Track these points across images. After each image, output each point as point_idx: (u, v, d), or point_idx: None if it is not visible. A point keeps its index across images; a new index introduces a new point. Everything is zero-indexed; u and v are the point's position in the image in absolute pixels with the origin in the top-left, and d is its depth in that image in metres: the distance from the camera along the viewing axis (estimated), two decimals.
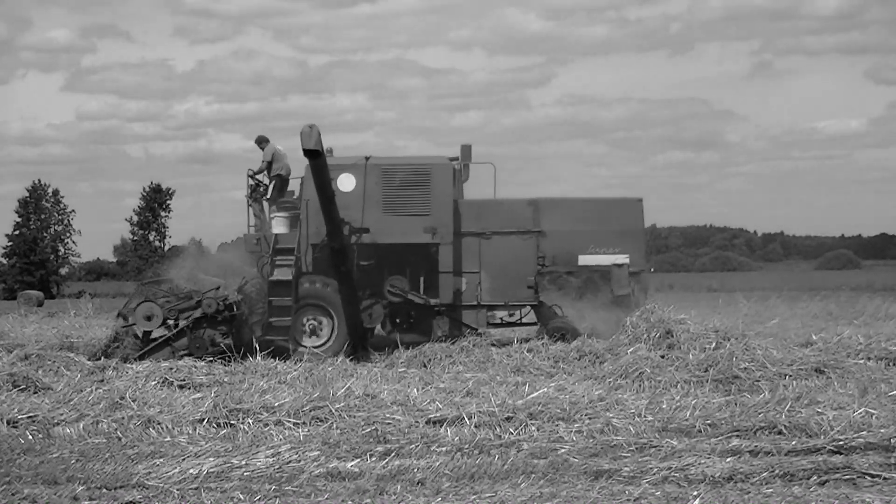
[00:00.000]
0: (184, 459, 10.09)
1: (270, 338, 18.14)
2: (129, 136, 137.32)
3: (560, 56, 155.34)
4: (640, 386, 14.32)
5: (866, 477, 9.24)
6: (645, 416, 11.75)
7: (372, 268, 19.37)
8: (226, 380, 14.90)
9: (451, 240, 19.38)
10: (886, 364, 16.26)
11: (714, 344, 16.24)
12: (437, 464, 9.78)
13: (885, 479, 9.18)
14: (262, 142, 20.47)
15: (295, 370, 15.74)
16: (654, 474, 9.37)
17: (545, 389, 13.02)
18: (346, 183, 19.15)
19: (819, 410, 11.63)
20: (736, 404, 12.27)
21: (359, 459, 10.09)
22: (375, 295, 19.29)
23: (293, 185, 20.34)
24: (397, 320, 20.18)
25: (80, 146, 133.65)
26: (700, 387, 14.11)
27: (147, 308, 17.89)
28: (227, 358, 16.84)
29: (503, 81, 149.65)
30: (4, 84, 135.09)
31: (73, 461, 10.25)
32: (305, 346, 18.51)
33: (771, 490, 8.90)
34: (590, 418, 11.65)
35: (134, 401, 12.88)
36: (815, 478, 9.22)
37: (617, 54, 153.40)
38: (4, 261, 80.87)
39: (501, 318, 20.82)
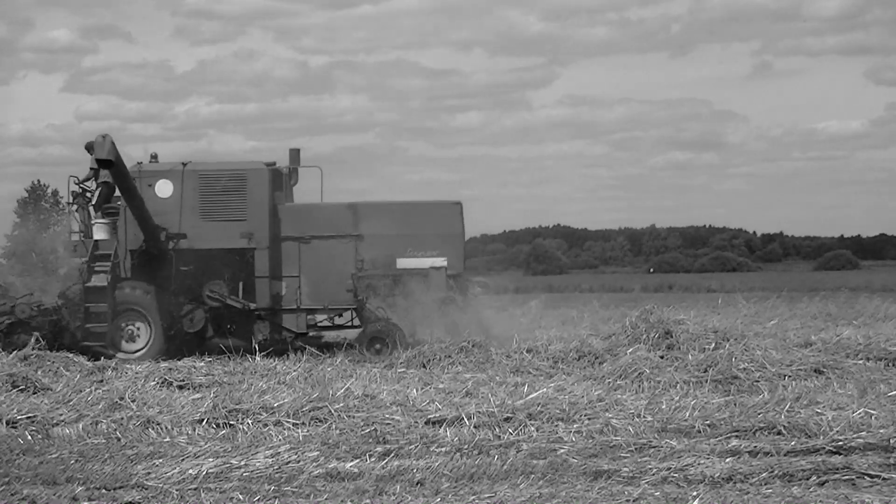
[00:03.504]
0: (183, 460, 10.08)
1: (88, 343, 18.24)
2: (130, 136, 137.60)
3: (561, 57, 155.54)
4: (639, 386, 14.30)
5: (865, 477, 9.23)
6: (644, 417, 11.74)
7: (191, 273, 19.36)
8: (225, 380, 14.94)
9: (267, 244, 19.38)
10: (885, 364, 16.27)
11: (713, 344, 16.25)
12: (437, 464, 9.77)
13: (884, 479, 9.17)
14: (90, 149, 20.22)
15: (294, 370, 15.76)
16: (654, 475, 9.36)
17: (544, 390, 13.01)
18: (163, 189, 19.24)
19: (818, 411, 11.62)
20: (735, 405, 12.26)
21: (358, 460, 10.08)
22: (195, 300, 19.31)
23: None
24: (224, 324, 19.95)
25: (80, 147, 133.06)
26: (699, 387, 14.10)
27: None
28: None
29: (504, 82, 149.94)
30: (5, 85, 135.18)
31: (72, 461, 10.24)
32: (123, 352, 18.54)
33: (770, 490, 8.90)
34: (589, 419, 11.64)
35: (133, 401, 12.87)
36: (815, 478, 9.21)
37: (618, 55, 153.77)
38: (3, 261, 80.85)
39: (332, 319, 20.75)
